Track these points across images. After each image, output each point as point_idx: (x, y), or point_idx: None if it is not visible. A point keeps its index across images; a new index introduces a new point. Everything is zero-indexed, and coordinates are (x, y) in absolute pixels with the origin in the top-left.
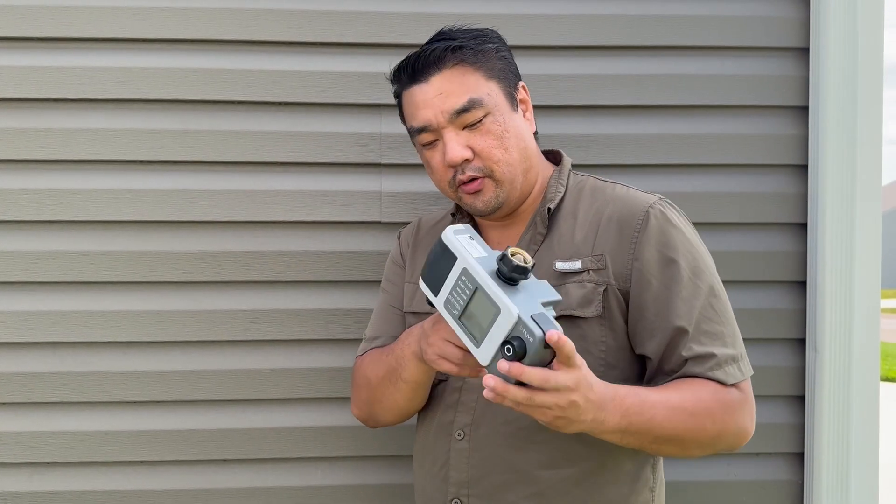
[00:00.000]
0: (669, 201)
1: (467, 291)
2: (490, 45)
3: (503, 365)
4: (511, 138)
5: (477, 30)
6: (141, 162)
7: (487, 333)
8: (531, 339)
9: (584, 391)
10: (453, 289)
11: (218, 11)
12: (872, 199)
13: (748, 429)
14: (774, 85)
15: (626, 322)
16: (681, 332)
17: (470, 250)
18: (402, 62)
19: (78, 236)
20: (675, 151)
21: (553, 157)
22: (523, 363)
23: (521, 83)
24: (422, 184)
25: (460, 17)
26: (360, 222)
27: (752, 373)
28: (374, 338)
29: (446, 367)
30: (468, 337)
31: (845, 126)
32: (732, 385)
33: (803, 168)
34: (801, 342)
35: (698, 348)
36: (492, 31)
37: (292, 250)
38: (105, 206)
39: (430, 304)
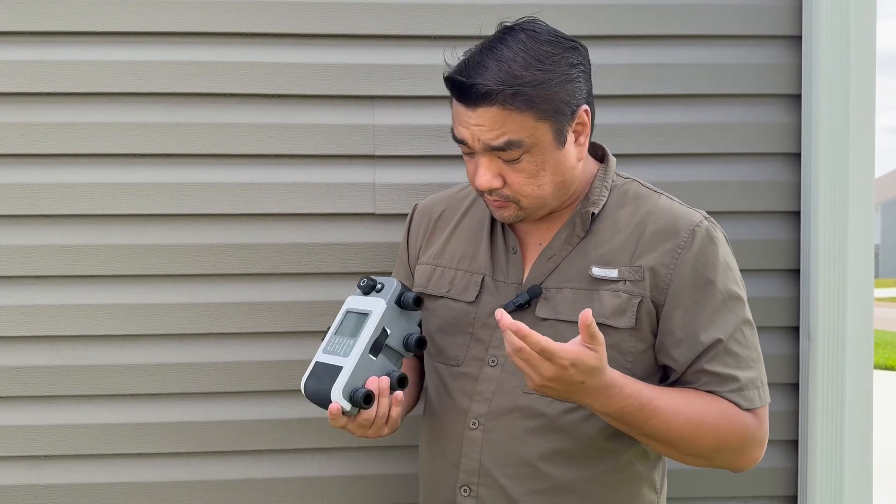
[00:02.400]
0: (714, 221)
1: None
2: (556, 79)
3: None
4: (546, 175)
5: (552, 51)
6: (134, 155)
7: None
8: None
9: (595, 378)
10: (327, 348)
11: (210, 3)
12: (866, 187)
13: (754, 455)
14: (767, 73)
15: (654, 334)
16: (710, 348)
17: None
18: (453, 73)
19: (72, 230)
20: (668, 141)
21: (595, 151)
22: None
23: (582, 108)
24: (415, 175)
25: (452, 8)
26: (353, 214)
27: (770, 401)
28: None
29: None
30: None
31: (838, 114)
32: (748, 410)
33: (796, 156)
34: (795, 330)
35: (722, 369)
36: (572, 49)
37: (286, 242)
38: (99, 199)
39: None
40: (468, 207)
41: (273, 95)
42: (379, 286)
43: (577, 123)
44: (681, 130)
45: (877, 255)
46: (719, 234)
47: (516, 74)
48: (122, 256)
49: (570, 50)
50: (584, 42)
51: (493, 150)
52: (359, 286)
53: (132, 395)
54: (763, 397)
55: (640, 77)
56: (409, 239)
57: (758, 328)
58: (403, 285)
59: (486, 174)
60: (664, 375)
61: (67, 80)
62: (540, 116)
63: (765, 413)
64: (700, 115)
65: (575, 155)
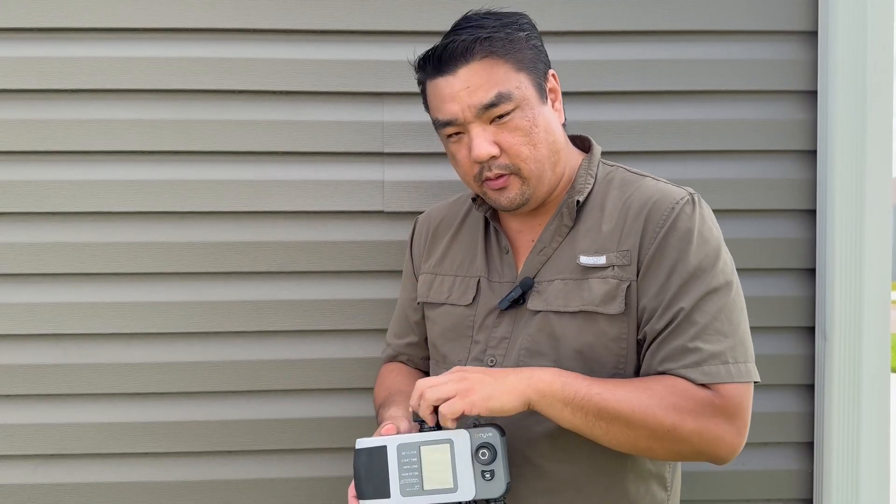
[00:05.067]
0: (699, 197)
1: (414, 458)
2: (521, 34)
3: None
4: (540, 133)
5: (507, 15)
6: (142, 152)
7: (456, 468)
8: (490, 431)
9: (472, 370)
10: (401, 470)
11: (218, 0)
12: (882, 185)
13: (723, 437)
14: (782, 69)
15: None
16: (673, 319)
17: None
18: (428, 52)
19: (79, 228)
20: (681, 137)
21: (581, 143)
22: (500, 453)
23: (550, 71)
24: (425, 172)
25: (463, 4)
26: (363, 212)
27: (751, 380)
28: (391, 342)
29: None
30: (443, 493)
31: (854, 111)
32: (704, 385)
33: (812, 154)
34: (811, 330)
35: (680, 341)
36: (521, 15)
37: (295, 240)
38: (106, 197)
39: None
40: (465, 215)
41: (281, 92)
42: (488, 474)
43: (549, 88)
44: (694, 127)
45: (892, 256)
46: (700, 209)
47: (486, 32)
48: (130, 254)
49: (520, 16)
50: (595, 38)
51: (485, 109)
52: (479, 446)
53: (139, 393)
54: (735, 374)
55: (653, 73)
56: (413, 251)
57: (773, 328)
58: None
59: (483, 143)
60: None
61: (75, 77)
62: (518, 67)
63: (734, 391)
64: (714, 112)
65: (556, 119)
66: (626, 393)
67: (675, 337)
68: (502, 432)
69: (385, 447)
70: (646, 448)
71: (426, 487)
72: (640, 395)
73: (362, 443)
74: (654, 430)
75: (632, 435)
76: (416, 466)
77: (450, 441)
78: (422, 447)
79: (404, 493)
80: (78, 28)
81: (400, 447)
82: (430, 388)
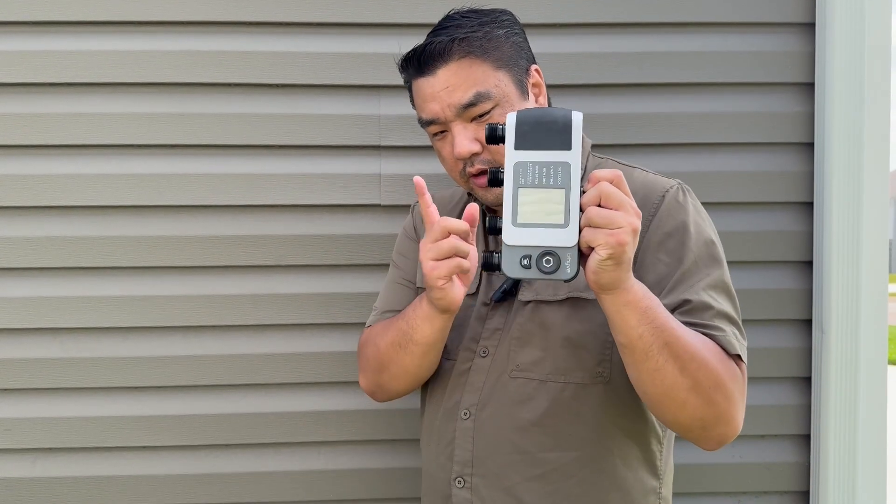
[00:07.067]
0: (687, 187)
1: (551, 181)
2: (500, 32)
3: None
4: None
5: (488, 12)
6: (138, 146)
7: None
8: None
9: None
10: (541, 166)
11: None
12: (880, 177)
13: (736, 416)
14: (779, 61)
15: None
16: (681, 305)
17: (578, 153)
18: (408, 53)
19: (76, 221)
20: (678, 130)
21: None
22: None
23: (533, 67)
24: (422, 166)
25: None
26: (359, 205)
27: (745, 364)
28: (384, 311)
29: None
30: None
31: (852, 103)
32: (733, 356)
33: (809, 146)
34: (808, 323)
35: (698, 320)
36: (503, 12)
37: (292, 234)
38: (103, 190)
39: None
40: (461, 209)
41: (278, 85)
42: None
43: (532, 84)
44: (692, 120)
45: (890, 249)
46: (689, 198)
47: (464, 32)
48: (126, 248)
49: (501, 13)
50: (593, 30)
51: (464, 109)
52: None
53: (136, 387)
54: (742, 352)
55: (650, 66)
56: (416, 232)
57: (770, 321)
58: None
59: (464, 141)
60: None
61: (70, 71)
62: (497, 65)
63: (744, 370)
64: (711, 105)
65: None
66: (693, 339)
67: (688, 318)
68: None
69: (569, 151)
70: (673, 401)
71: (520, 190)
72: (701, 347)
73: (577, 121)
74: (697, 384)
75: (677, 381)
76: (543, 182)
77: (564, 225)
78: (565, 193)
79: (516, 167)
80: (72, 21)
81: (563, 167)
82: (628, 210)
